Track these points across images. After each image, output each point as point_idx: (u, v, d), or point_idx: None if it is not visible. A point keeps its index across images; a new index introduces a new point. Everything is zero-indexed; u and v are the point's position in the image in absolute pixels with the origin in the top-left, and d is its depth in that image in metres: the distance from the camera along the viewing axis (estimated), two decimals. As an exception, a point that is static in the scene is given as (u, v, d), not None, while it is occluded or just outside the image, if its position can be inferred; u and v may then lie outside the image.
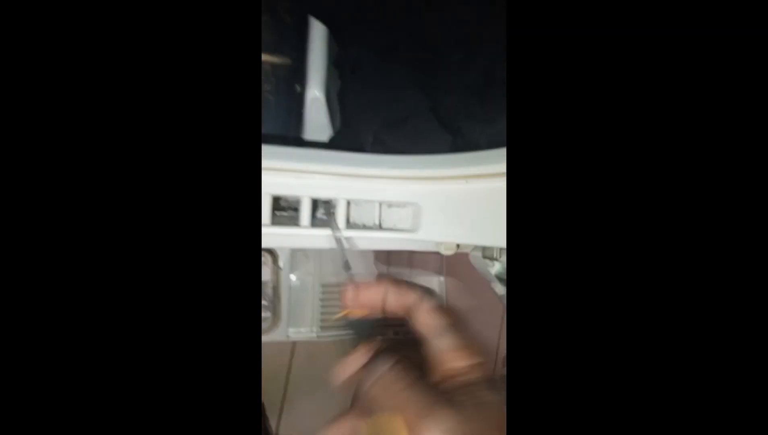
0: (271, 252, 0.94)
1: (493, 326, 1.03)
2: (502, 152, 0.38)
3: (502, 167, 0.38)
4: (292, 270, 0.97)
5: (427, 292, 0.22)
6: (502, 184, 0.39)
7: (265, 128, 0.48)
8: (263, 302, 0.91)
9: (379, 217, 0.45)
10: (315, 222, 0.45)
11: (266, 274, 0.92)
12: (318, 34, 0.50)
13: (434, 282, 1.11)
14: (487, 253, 0.57)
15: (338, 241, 0.42)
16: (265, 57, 0.48)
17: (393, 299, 0.21)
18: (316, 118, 0.49)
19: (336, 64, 0.49)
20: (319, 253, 1.00)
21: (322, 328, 0.97)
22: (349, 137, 0.46)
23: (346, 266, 0.36)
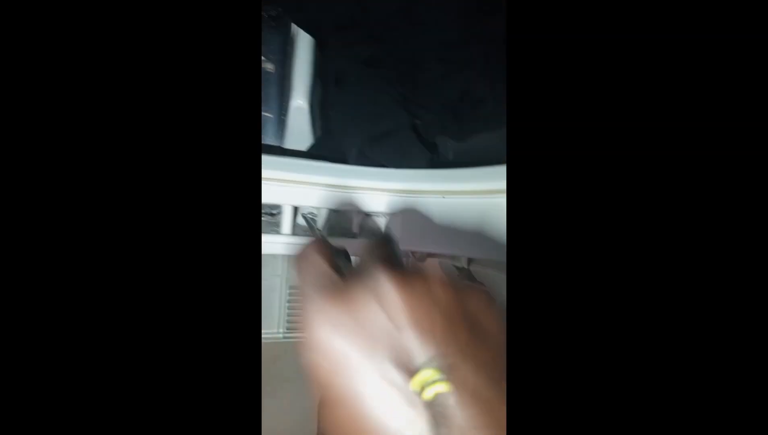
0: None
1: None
2: (477, 170, 0.41)
3: (478, 184, 0.41)
4: (259, 270, 0.96)
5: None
6: (477, 200, 0.42)
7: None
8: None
9: (360, 225, 0.47)
10: (296, 229, 0.46)
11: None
12: (303, 43, 0.51)
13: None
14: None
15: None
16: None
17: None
18: (299, 127, 0.50)
19: (320, 74, 0.50)
20: (287, 254, 1.00)
21: (289, 329, 0.97)
22: (331, 148, 0.48)
23: None
